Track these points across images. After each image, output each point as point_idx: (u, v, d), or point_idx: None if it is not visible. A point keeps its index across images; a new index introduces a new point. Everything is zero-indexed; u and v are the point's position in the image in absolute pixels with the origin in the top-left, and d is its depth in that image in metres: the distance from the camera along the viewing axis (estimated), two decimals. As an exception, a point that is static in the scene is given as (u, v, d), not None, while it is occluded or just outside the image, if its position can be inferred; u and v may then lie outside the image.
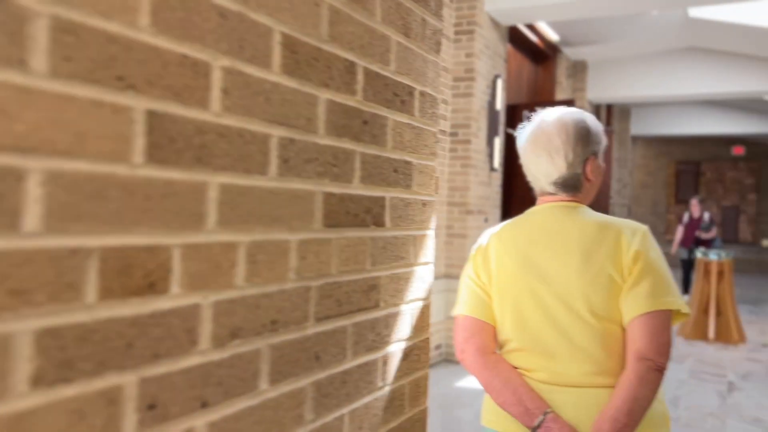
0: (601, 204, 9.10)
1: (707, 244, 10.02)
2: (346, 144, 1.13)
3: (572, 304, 1.42)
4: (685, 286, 10.30)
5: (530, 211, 1.58)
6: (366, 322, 1.21)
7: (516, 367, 1.51)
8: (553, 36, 8.32)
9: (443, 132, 5.65)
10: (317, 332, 1.06)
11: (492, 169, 6.17)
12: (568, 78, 9.84)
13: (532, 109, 7.23)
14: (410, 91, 1.34)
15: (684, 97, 9.85)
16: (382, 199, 1.25)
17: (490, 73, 6.09)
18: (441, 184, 5.72)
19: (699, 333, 7.33)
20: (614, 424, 1.33)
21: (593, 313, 1.41)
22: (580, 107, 10.00)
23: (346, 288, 1.14)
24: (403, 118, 1.32)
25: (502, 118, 6.63)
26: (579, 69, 10.10)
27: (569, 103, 6.92)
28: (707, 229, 9.99)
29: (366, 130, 1.19)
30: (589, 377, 1.41)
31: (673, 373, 5.76)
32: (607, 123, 13.01)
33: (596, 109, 11.52)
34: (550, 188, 1.54)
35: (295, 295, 1.01)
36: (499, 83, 6.14)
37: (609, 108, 13.55)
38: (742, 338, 7.22)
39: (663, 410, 1.45)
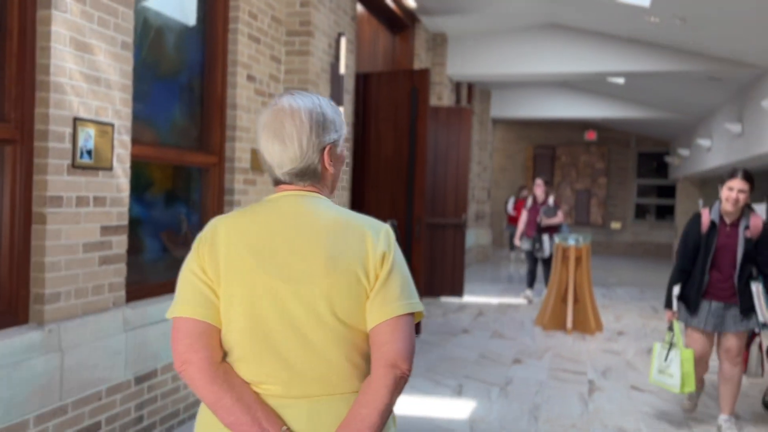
0: (459, 190, 8.56)
1: (552, 231, 8.40)
2: None
3: (315, 306, 1.32)
4: (531, 281, 8.86)
5: (268, 199, 1.43)
6: None
7: (244, 380, 1.36)
8: (410, 1, 7.58)
9: (272, 96, 4.68)
10: None
11: (335, 143, 5.31)
12: (427, 51, 9.18)
13: (385, 78, 6.42)
14: None
15: (543, 76, 9.53)
16: None
17: (333, 29, 5.20)
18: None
19: (557, 323, 6.95)
20: None
21: (338, 317, 1.32)
22: (439, 83, 9.40)
23: None
24: None
25: (349, 86, 5.76)
26: (439, 42, 9.48)
27: (423, 73, 6.20)
28: (550, 214, 8.40)
29: None
30: (327, 386, 1.34)
31: (532, 372, 5.23)
32: (468, 102, 12.62)
33: (457, 88, 11.01)
34: (286, 177, 1.42)
35: None
36: (344, 42, 5.27)
37: (470, 88, 13.20)
38: (599, 326, 6.93)
39: (392, 411, 1.40)
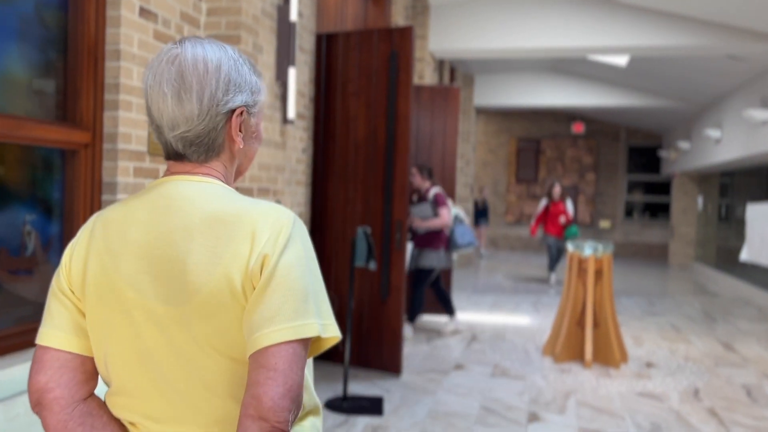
0: (445, 186, 7.11)
1: (430, 241, 6.07)
2: None
3: (193, 333, 1.00)
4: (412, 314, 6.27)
5: (151, 186, 1.11)
6: None
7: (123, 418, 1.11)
8: (386, -49, 6.11)
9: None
10: None
11: (285, 120, 3.80)
12: (406, 20, 7.71)
13: (355, 40, 4.93)
14: None
15: (536, 52, 8.12)
16: None
17: (281, -41, 3.69)
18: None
19: (572, 352, 5.55)
20: None
21: (216, 348, 1.00)
22: (420, 59, 7.92)
23: None
24: None
25: (306, 44, 4.27)
26: (419, 11, 8.01)
27: (405, 32, 4.73)
28: (424, 213, 6.06)
29: None
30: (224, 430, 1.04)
31: (557, 435, 3.81)
32: (450, 81, 11.20)
33: (439, 67, 9.57)
34: (178, 145, 1.09)
35: None
36: (296, -22, 3.76)
37: (452, 72, 11.79)
38: (624, 356, 5.55)
39: None
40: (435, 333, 6.42)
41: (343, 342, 4.70)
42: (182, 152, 1.10)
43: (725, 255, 12.37)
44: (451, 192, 7.13)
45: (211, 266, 1.00)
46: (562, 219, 10.01)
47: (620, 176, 16.93)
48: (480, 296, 8.93)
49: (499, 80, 12.80)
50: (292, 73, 3.65)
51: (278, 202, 4.05)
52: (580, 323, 5.58)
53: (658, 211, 17.08)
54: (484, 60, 11.58)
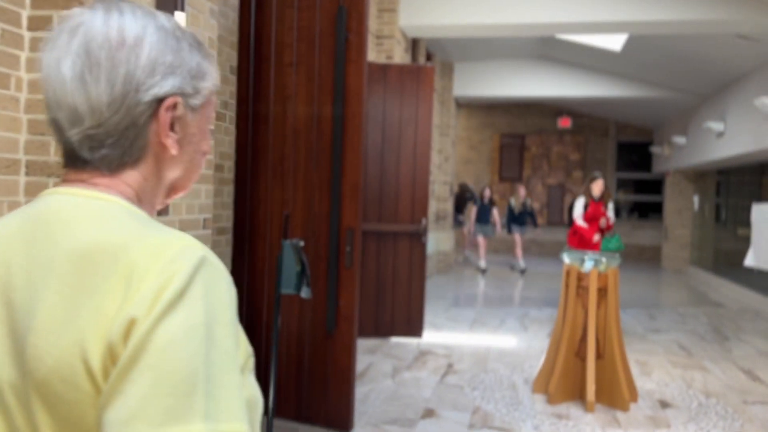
0: (418, 184, 6.04)
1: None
2: None
3: (24, 413, 0.72)
4: None
5: (43, 195, 0.81)
6: None
7: None
8: None
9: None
10: None
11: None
12: (371, -10, 6.62)
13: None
14: None
15: (514, 28, 7.07)
16: None
17: None
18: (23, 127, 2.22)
19: (570, 390, 4.49)
20: None
21: (61, 427, 0.71)
22: (389, 37, 6.84)
23: None
24: None
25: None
26: (388, -19, 6.93)
27: (359, -18, 3.62)
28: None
29: None
30: None
31: None
32: (427, 59, 10.11)
33: (412, 50, 8.47)
34: (82, 148, 0.79)
35: None
36: None
37: (429, 59, 10.72)
38: (633, 394, 4.50)
39: None
40: (404, 362, 5.33)
41: (265, 391, 3.58)
42: (87, 158, 0.80)
43: (723, 259, 11.45)
44: (423, 192, 6.05)
45: (62, 327, 0.70)
46: (603, 222, 7.21)
47: (609, 174, 15.98)
48: (459, 309, 7.86)
49: (481, 69, 11.74)
50: (180, 19, 2.54)
51: (204, 222, 2.95)
52: (580, 354, 4.52)
53: (649, 211, 16.16)
54: (464, 44, 10.52)
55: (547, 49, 10.84)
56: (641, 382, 5.00)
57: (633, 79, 11.21)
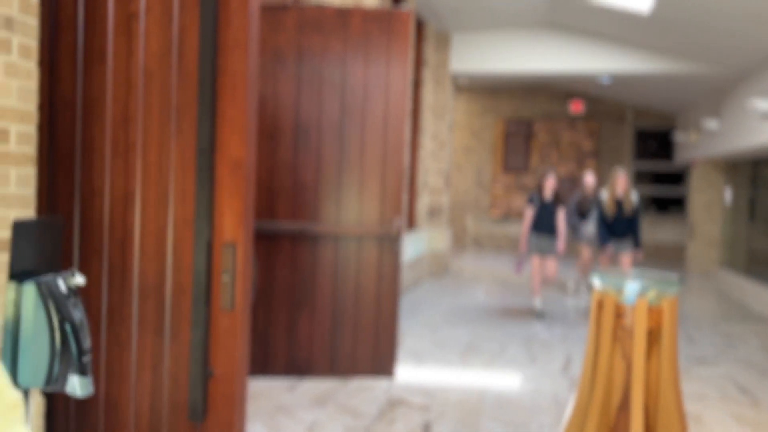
0: (388, 172, 4.49)
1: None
2: None
3: None
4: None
5: None
6: None
7: None
8: None
9: None
10: None
11: None
12: None
13: None
14: None
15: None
16: None
17: None
18: None
19: (603, 485, 2.92)
20: None
21: None
22: (357, -22, 5.25)
23: None
24: None
25: None
26: None
27: None
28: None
29: None
30: None
31: None
32: (417, 51, 8.53)
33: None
34: None
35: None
36: None
37: (420, 28, 9.15)
38: (699, 492, 2.94)
39: None
40: (362, 420, 3.78)
41: None
42: None
43: (760, 260, 9.85)
44: (396, 181, 4.49)
45: None
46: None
47: (626, 165, 14.37)
48: (449, 330, 6.30)
49: (482, 40, 10.13)
50: None
51: None
52: (618, 430, 2.95)
53: (669, 205, 14.54)
54: (462, 10, 8.92)
55: (558, 14, 9.23)
56: (702, 458, 3.45)
57: (661, 51, 9.59)
